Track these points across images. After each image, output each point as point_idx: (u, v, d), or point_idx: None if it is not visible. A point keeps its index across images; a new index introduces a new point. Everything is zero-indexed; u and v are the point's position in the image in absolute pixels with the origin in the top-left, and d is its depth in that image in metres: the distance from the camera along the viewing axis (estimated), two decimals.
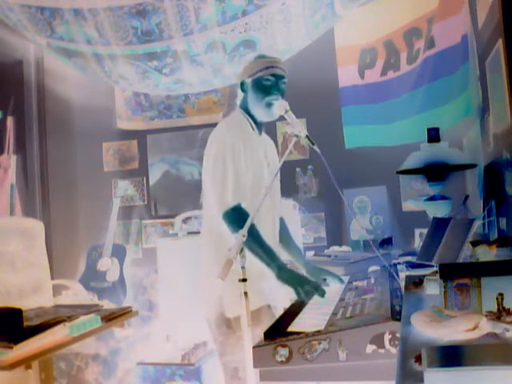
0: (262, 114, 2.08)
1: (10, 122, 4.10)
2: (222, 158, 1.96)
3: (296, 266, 2.21)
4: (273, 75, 2.04)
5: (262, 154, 2.11)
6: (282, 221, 2.25)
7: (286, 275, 1.89)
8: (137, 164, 4.45)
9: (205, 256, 2.08)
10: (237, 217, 1.89)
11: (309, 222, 4.02)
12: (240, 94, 2.13)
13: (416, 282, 1.75)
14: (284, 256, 2.22)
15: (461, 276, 1.21)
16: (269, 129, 3.91)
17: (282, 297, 2.07)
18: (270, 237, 2.05)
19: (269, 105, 2.02)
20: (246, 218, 1.65)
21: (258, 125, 2.13)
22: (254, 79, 2.05)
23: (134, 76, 3.64)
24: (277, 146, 4.07)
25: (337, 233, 3.99)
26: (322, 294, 1.82)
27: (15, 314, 1.87)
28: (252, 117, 2.10)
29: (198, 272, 2.11)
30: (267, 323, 1.71)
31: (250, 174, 2.00)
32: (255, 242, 1.87)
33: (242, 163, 1.97)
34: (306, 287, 1.84)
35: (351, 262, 2.34)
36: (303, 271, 2.17)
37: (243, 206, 1.92)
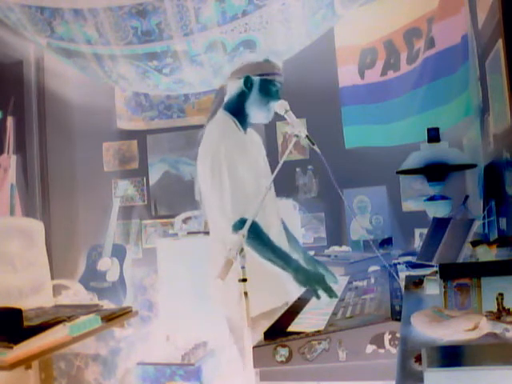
0: (258, 116, 2.07)
1: (9, 122, 4.10)
2: (218, 173, 1.94)
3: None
4: (279, 82, 2.05)
5: (254, 153, 2.10)
6: (282, 222, 2.24)
7: (302, 277, 1.89)
8: (137, 164, 4.45)
9: (219, 259, 2.05)
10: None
11: (309, 222, 4.01)
12: (231, 91, 2.09)
13: (416, 282, 1.74)
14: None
15: (461, 276, 1.21)
16: (269, 129, 3.99)
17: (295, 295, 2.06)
18: (277, 239, 2.03)
19: (270, 109, 2.02)
20: (257, 228, 1.65)
21: (246, 124, 2.10)
22: (263, 80, 2.03)
23: (134, 76, 3.64)
24: (277, 146, 4.11)
25: (337, 233, 3.99)
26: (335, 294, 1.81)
27: (15, 313, 1.87)
28: (243, 116, 2.07)
29: (211, 274, 2.08)
30: None
31: (250, 178, 1.98)
32: (267, 248, 1.88)
33: (240, 174, 1.95)
34: (322, 286, 1.83)
35: (351, 261, 2.34)
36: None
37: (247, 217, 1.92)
